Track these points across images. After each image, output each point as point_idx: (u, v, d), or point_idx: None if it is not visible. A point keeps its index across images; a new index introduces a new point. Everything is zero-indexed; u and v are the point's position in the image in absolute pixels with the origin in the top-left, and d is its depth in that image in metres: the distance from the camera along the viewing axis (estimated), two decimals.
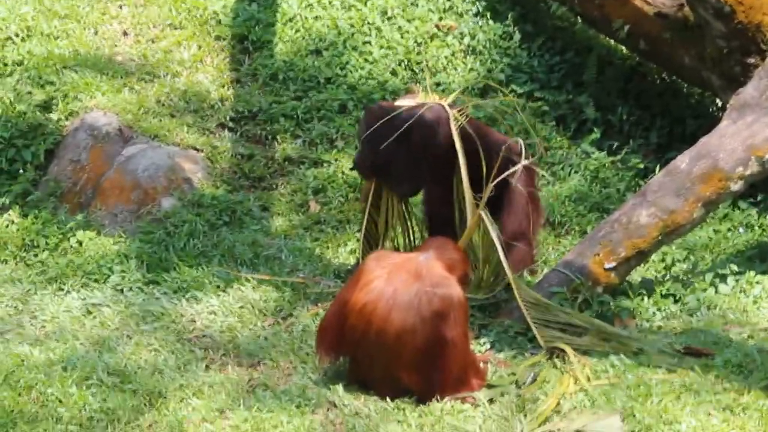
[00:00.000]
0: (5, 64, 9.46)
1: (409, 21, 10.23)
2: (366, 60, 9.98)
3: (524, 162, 7.05)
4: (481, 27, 10.23)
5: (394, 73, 9.94)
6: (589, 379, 6.26)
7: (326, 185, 9.04)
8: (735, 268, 7.63)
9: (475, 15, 10.31)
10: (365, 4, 10.29)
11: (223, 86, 9.75)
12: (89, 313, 7.19)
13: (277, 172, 9.22)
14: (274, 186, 9.11)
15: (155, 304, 7.24)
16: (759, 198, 8.64)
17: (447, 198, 7.40)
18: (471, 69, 10.03)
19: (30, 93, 9.26)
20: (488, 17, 10.28)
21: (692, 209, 7.38)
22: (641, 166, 9.29)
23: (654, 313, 7.30)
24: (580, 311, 7.01)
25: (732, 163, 7.42)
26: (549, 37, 10.20)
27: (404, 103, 7.43)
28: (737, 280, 7.58)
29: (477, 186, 7.12)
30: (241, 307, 7.22)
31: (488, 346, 6.81)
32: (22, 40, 9.74)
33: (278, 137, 9.44)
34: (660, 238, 7.35)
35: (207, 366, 6.56)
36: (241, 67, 9.94)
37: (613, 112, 9.73)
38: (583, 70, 9.93)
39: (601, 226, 7.49)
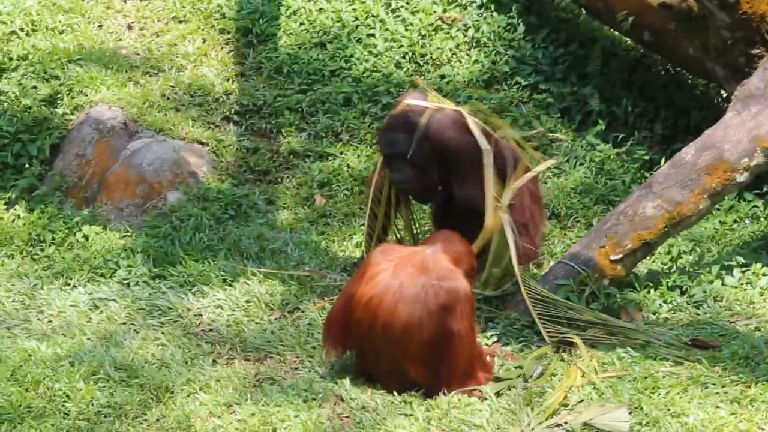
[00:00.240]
0: (10, 59, 9.46)
1: (413, 13, 10.22)
2: (370, 52, 9.98)
3: (546, 164, 7.05)
4: (485, 19, 10.21)
5: (398, 65, 9.94)
6: (596, 372, 6.27)
7: (331, 178, 9.05)
8: (741, 259, 7.62)
9: (479, 7, 10.29)
10: None
11: (228, 80, 9.75)
12: (96, 307, 7.20)
13: (283, 166, 9.23)
14: (279, 179, 9.12)
15: (162, 298, 7.24)
16: (765, 189, 8.62)
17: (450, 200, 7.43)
18: (475, 61, 10.02)
19: (35, 87, 9.27)
20: (492, 9, 10.26)
21: (698, 201, 7.37)
22: (646, 157, 9.28)
23: (660, 305, 7.30)
24: (586, 304, 7.01)
25: (737, 155, 7.42)
26: (553, 29, 10.18)
27: (414, 103, 7.35)
28: (743, 272, 7.57)
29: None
30: (248, 301, 7.22)
31: (495, 339, 6.81)
32: (27, 34, 9.74)
33: (283, 130, 9.45)
34: (666, 229, 7.34)
35: (214, 360, 6.57)
36: (246, 61, 9.94)
37: (617, 104, 9.72)
38: (588, 61, 9.91)
39: (607, 218, 7.49)
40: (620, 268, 7.27)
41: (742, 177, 7.45)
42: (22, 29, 9.75)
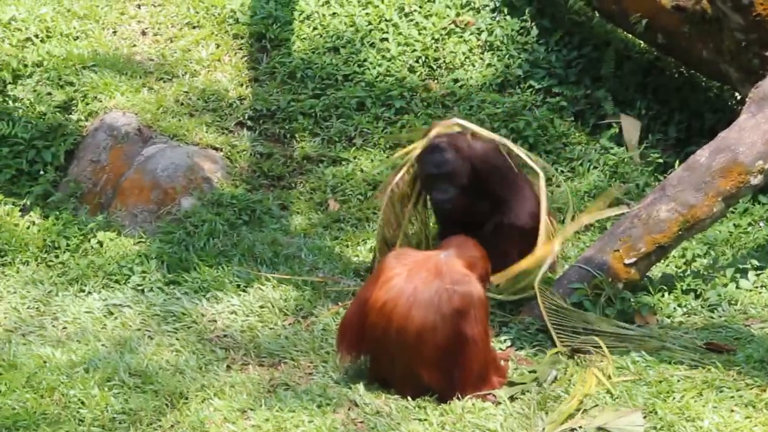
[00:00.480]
0: (25, 65, 9.49)
1: (426, 17, 10.23)
2: (384, 57, 9.99)
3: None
4: (498, 22, 10.21)
5: (411, 69, 9.94)
6: (610, 377, 6.26)
7: (345, 183, 9.06)
8: (756, 262, 7.61)
9: (493, 11, 10.30)
10: (383, 0, 10.29)
11: (242, 85, 9.77)
12: (110, 313, 7.22)
13: (296, 171, 9.24)
14: (293, 184, 9.13)
15: (176, 304, 7.26)
16: None
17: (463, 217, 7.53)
18: (489, 65, 10.02)
19: (50, 94, 9.30)
20: (505, 13, 10.26)
21: (712, 204, 7.35)
22: (660, 160, 9.26)
23: (675, 308, 7.29)
24: (602, 309, 7.00)
25: (752, 157, 7.39)
26: (566, 32, 10.17)
27: (452, 123, 7.54)
28: (758, 275, 7.56)
29: (490, 200, 7.39)
30: (262, 307, 7.23)
31: (509, 343, 6.81)
32: (42, 41, 9.77)
33: (297, 135, 9.46)
34: (680, 233, 7.32)
35: (228, 366, 6.58)
36: (260, 66, 9.95)
37: (631, 107, 9.71)
38: (601, 64, 9.90)
39: (621, 222, 7.47)
40: (634, 271, 7.26)
41: (756, 179, 7.42)
42: (36, 36, 9.78)
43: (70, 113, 9.24)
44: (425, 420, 5.99)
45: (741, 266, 7.59)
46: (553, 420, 5.92)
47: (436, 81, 9.84)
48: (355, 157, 9.28)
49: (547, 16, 10.25)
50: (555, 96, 9.82)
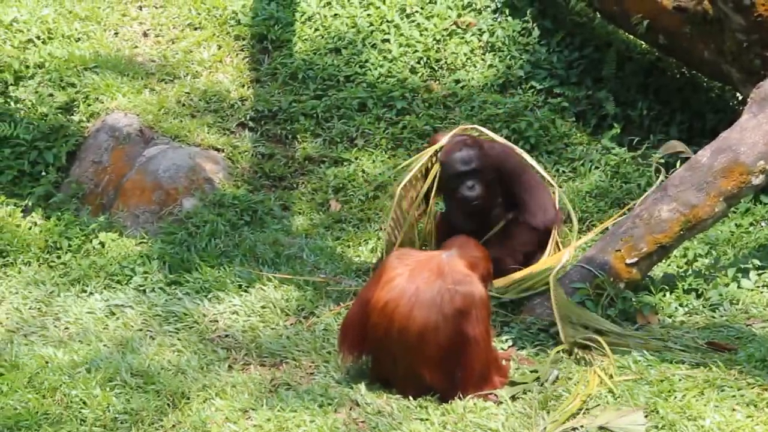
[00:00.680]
0: (27, 67, 9.50)
1: (427, 18, 10.23)
2: (385, 58, 9.99)
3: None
4: (499, 23, 10.22)
5: (413, 70, 9.95)
6: (611, 377, 6.26)
7: (346, 184, 9.06)
8: (757, 262, 7.60)
9: (494, 11, 10.31)
10: (384, 1, 10.31)
11: (243, 86, 9.78)
12: (112, 314, 7.23)
13: (298, 171, 9.24)
14: (294, 185, 9.13)
15: (178, 304, 7.26)
16: None
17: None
18: (490, 66, 10.03)
19: (51, 95, 9.31)
20: (507, 14, 10.27)
21: (714, 203, 7.35)
22: (662, 160, 9.25)
23: (676, 308, 7.29)
24: (604, 309, 7.01)
25: (753, 157, 7.39)
26: (568, 33, 10.18)
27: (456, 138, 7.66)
28: (759, 275, 7.55)
29: (506, 200, 7.62)
30: (263, 307, 7.24)
31: (510, 343, 6.81)
32: (43, 42, 9.79)
33: (298, 136, 9.46)
34: (682, 232, 7.32)
35: (230, 366, 6.58)
36: (261, 67, 9.96)
37: (633, 108, 9.72)
38: (603, 65, 9.91)
39: (623, 222, 7.47)
40: (636, 271, 7.26)
41: (758, 179, 7.42)
42: (38, 37, 9.80)
43: (72, 114, 9.25)
44: (427, 420, 5.98)
45: (742, 266, 7.59)
46: (555, 419, 5.92)
47: (437, 82, 9.85)
48: (356, 158, 9.28)
49: (549, 17, 10.26)
50: (556, 97, 9.83)
